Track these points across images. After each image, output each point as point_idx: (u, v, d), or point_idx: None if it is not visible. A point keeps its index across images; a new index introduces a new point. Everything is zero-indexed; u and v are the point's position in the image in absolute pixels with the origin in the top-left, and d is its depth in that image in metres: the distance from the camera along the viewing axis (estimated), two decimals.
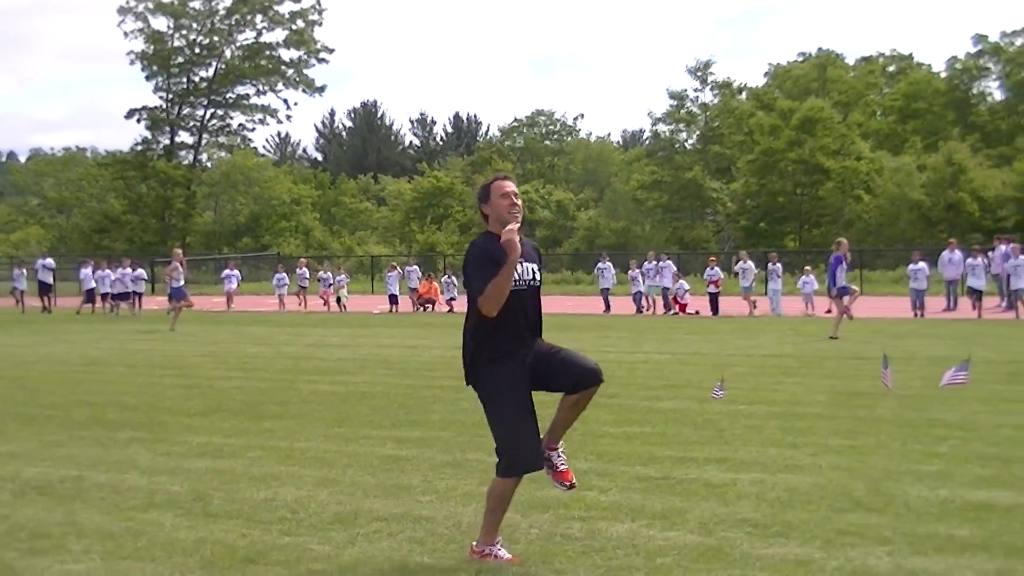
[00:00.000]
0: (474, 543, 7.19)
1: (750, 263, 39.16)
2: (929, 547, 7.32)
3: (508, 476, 7.04)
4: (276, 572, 7.07)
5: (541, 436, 7.19)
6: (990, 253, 37.14)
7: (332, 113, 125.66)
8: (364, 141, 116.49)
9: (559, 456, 7.39)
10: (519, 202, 7.11)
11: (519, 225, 6.93)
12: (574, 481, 7.37)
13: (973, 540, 7.44)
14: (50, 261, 49.05)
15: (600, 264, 43.28)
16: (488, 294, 6.76)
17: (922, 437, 11.40)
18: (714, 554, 7.24)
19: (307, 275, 48.67)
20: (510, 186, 7.12)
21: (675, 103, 78.89)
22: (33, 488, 9.61)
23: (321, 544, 7.70)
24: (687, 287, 40.40)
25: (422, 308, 44.62)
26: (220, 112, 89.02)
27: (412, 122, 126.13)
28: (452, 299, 44.49)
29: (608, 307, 40.80)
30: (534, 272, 7.12)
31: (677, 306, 39.10)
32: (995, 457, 10.33)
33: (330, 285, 46.57)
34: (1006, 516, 8.10)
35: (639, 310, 40.61)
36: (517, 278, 6.93)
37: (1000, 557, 7.04)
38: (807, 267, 40.95)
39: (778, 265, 38.26)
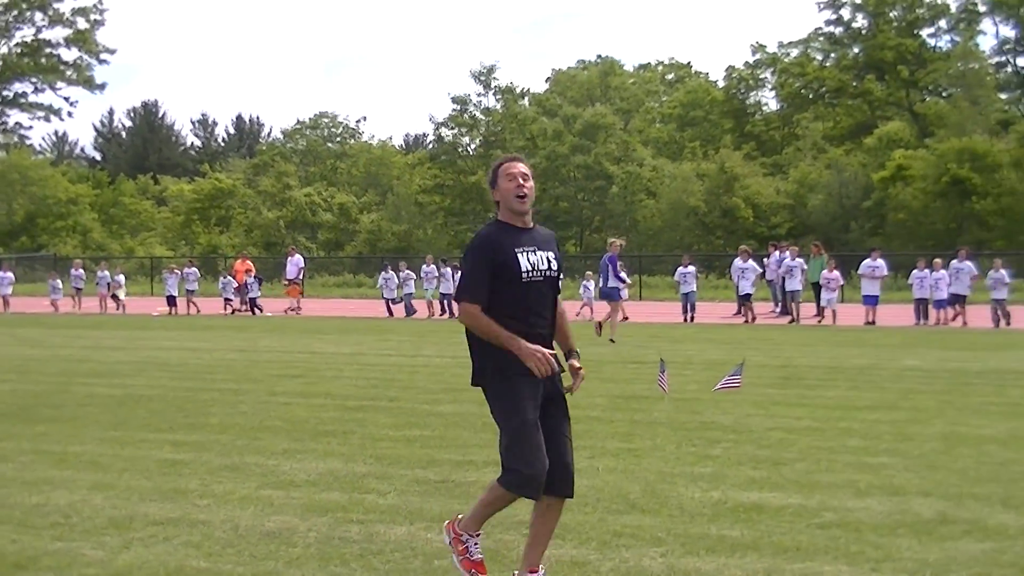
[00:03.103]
0: (460, 516, 6.88)
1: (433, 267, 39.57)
2: (701, 547, 7.51)
3: (510, 491, 6.53)
4: None
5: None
6: (766, 260, 38.12)
7: (111, 112, 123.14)
8: (144, 141, 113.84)
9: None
10: (528, 184, 6.59)
11: (543, 357, 6.38)
12: None
13: (744, 540, 7.66)
14: None
15: (383, 272, 43.17)
16: (471, 320, 6.46)
17: (696, 440, 11.69)
18: (490, 556, 7.27)
19: (83, 276, 47.24)
20: (518, 167, 6.60)
21: (458, 107, 79.31)
22: None
23: (94, 549, 7.57)
24: None
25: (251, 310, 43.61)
26: None
27: (194, 123, 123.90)
28: (229, 299, 43.78)
29: (391, 313, 40.72)
30: (550, 261, 6.59)
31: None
32: (766, 459, 10.65)
33: (108, 285, 45.33)
34: (775, 516, 8.35)
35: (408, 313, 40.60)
36: (531, 268, 6.47)
37: (768, 557, 7.26)
38: (588, 272, 41.58)
39: None
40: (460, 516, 6.85)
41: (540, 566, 6.66)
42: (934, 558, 7.21)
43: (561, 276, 6.70)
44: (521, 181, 6.55)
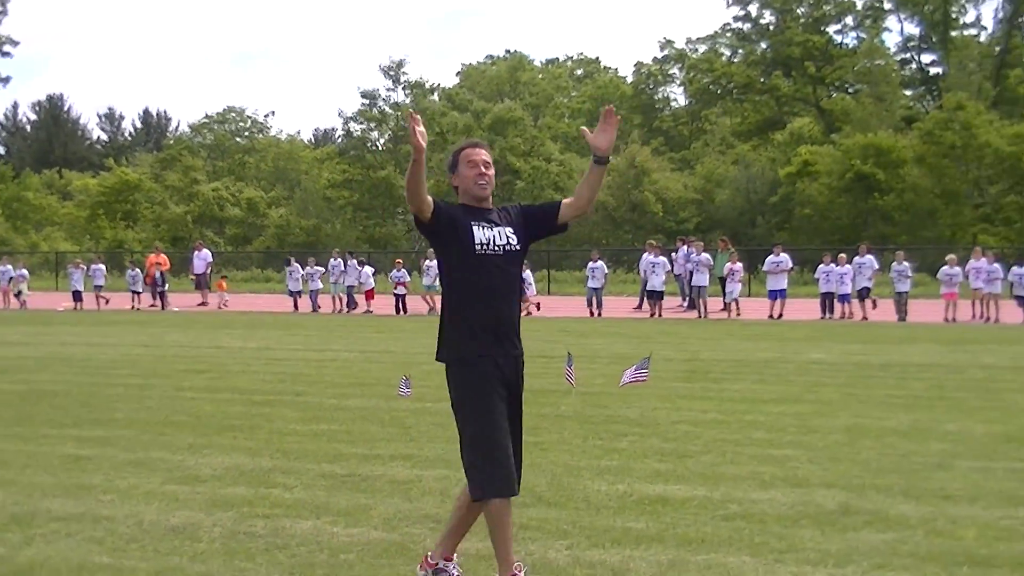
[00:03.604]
0: (428, 553, 6.73)
1: (434, 262, 39.34)
2: (606, 540, 7.55)
3: (486, 499, 6.25)
4: None
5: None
6: (674, 254, 38.34)
7: (15, 106, 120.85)
8: (49, 135, 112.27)
9: (455, 568, 6.72)
10: (489, 172, 6.57)
11: (421, 142, 6.09)
12: None
13: (648, 532, 7.71)
14: None
15: (288, 266, 42.97)
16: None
17: (603, 433, 11.76)
18: (397, 550, 7.31)
19: None
20: (479, 153, 6.55)
21: (367, 102, 79.03)
22: None
23: None
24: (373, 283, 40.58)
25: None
26: None
27: (100, 116, 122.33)
28: (137, 293, 43.33)
29: (296, 307, 40.49)
30: (508, 236, 6.48)
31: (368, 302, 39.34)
32: (671, 452, 10.73)
33: (10, 280, 44.57)
34: (680, 509, 8.41)
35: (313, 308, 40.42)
36: (486, 242, 6.38)
37: (673, 548, 7.31)
38: None
39: None
40: (428, 552, 6.77)
41: (454, 555, 6.68)
42: (836, 548, 7.30)
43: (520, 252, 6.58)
44: (483, 169, 6.54)
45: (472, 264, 6.34)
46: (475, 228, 6.36)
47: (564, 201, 6.64)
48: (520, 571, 6.38)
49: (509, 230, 6.49)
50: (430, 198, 6.32)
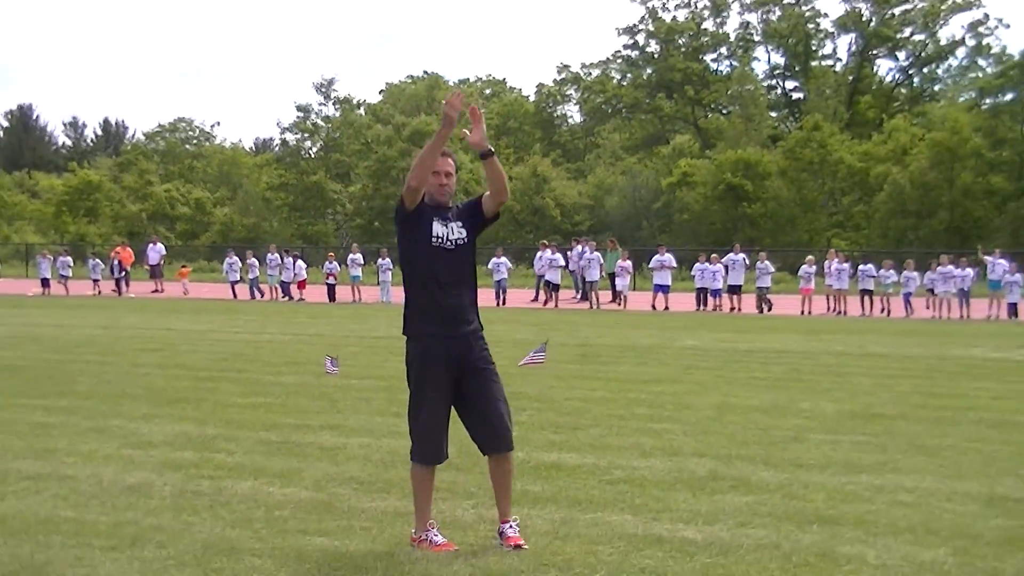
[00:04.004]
0: (412, 531, 6.60)
1: (359, 255, 39.31)
2: None
3: (414, 461, 6.52)
4: None
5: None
6: (569, 252, 38.46)
7: None
8: (20, 140, 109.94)
9: (511, 527, 6.56)
10: (450, 181, 6.52)
11: (457, 115, 6.26)
12: (521, 543, 6.42)
13: (543, 494, 7.76)
14: None
15: (227, 258, 42.60)
16: (412, 169, 6.35)
17: None
18: (325, 507, 7.32)
19: None
20: (442, 164, 6.45)
21: (301, 115, 78.49)
22: None
23: None
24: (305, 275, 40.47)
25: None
26: None
27: (65, 124, 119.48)
28: (96, 280, 42.73)
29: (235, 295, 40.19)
30: (459, 230, 6.47)
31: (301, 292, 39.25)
32: (565, 425, 10.78)
33: None
34: (571, 474, 8.47)
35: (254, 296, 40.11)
36: (440, 236, 6.38)
37: (565, 508, 7.37)
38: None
39: (387, 260, 38.33)
40: (412, 529, 6.61)
41: (510, 516, 6.60)
42: (705, 509, 7.38)
43: (467, 246, 6.52)
44: (444, 180, 6.49)
45: (427, 254, 6.36)
46: (435, 223, 6.38)
47: (483, 195, 6.64)
48: (433, 527, 6.46)
49: (458, 224, 6.48)
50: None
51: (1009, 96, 61.07)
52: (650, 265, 36.88)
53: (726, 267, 34.69)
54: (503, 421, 6.52)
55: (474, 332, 6.55)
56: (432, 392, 6.43)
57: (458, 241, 6.46)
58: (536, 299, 37.37)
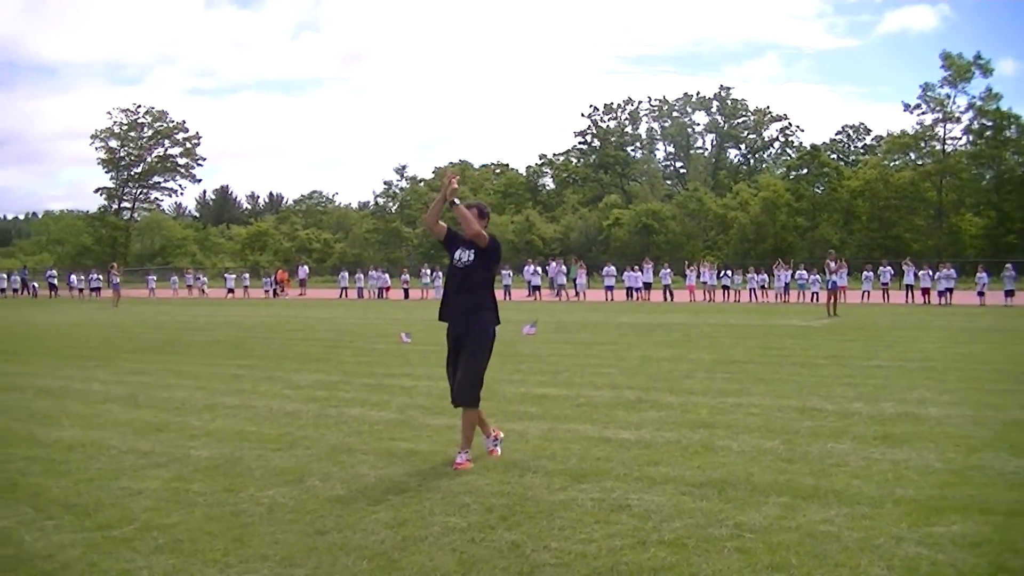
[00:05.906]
0: (461, 452, 5.83)
1: (427, 269, 39.04)
2: (512, 418, 7.44)
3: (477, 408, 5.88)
4: None
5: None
6: (548, 266, 38.00)
7: (204, 192, 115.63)
8: (221, 206, 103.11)
9: (494, 442, 6.11)
10: (466, 224, 5.83)
11: (451, 197, 5.81)
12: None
13: (536, 414, 7.62)
14: (53, 272, 48.32)
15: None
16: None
17: (510, 360, 11.58)
18: (405, 424, 7.19)
19: None
20: (457, 211, 5.87)
21: (386, 186, 78.29)
22: None
23: None
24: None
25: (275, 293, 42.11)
26: (144, 191, 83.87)
27: (246, 195, 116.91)
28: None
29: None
30: (470, 256, 5.86)
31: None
32: (548, 371, 10.66)
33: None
34: (553, 401, 8.30)
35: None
36: (458, 259, 5.88)
37: (550, 422, 7.23)
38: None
39: (436, 272, 37.85)
40: (457, 451, 5.90)
41: (493, 431, 6.16)
42: (635, 420, 7.27)
43: (473, 268, 5.91)
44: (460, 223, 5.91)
45: (450, 270, 6.06)
46: (458, 250, 6.02)
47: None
48: (463, 456, 5.83)
49: (470, 251, 5.91)
50: (443, 224, 6.04)
51: (804, 171, 62.75)
52: (602, 274, 36.79)
53: (643, 273, 34.55)
54: (460, 383, 5.81)
55: (469, 319, 5.86)
56: (450, 359, 6.00)
57: (466, 263, 5.89)
58: (529, 295, 37.38)
